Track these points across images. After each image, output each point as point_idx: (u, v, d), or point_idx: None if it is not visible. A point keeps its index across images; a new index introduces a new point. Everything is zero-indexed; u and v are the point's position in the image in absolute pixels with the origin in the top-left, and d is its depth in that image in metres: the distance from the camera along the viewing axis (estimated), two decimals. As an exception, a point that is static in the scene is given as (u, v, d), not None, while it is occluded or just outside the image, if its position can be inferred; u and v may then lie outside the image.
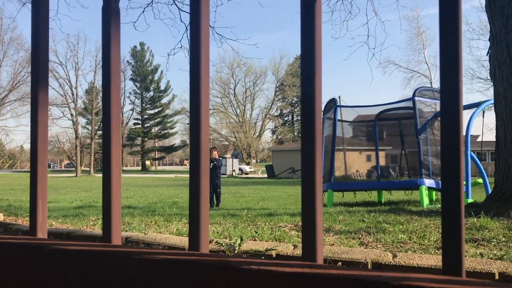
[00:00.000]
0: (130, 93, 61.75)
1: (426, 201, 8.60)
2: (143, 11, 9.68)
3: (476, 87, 74.98)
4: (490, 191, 6.40)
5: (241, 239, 3.40)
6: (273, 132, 69.66)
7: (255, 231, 4.39)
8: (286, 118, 67.58)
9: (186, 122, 59.51)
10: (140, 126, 61.61)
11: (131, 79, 61.02)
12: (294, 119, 66.90)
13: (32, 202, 0.89)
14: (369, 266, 2.92)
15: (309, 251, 0.63)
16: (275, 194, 14.61)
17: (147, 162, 62.67)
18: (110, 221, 0.81)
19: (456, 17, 0.56)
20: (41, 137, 0.90)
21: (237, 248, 3.31)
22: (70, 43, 70.55)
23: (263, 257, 3.23)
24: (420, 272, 2.68)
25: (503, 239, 3.78)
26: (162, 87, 61.87)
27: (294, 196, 12.67)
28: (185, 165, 74.36)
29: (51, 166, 74.53)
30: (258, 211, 7.28)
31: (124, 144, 58.39)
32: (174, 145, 62.91)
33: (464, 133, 8.38)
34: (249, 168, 48.38)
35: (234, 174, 42.18)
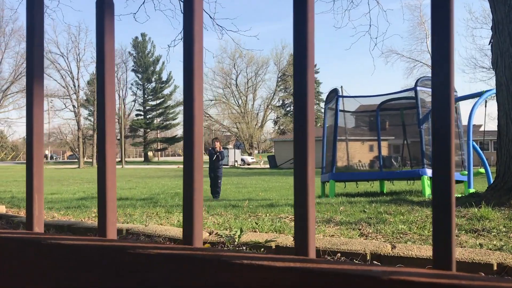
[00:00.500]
0: (132, 84, 61.82)
1: (428, 191, 8.59)
2: (143, 2, 9.63)
3: (479, 76, 74.41)
4: (492, 181, 6.39)
5: (241, 231, 3.42)
6: (275, 122, 69.68)
7: (255, 222, 4.41)
8: (288, 109, 67.44)
9: (188, 113, 59.51)
10: (142, 117, 61.71)
11: (132, 70, 60.99)
12: (296, 110, 66.80)
13: (28, 197, 0.90)
14: (368, 257, 2.93)
15: (300, 244, 0.63)
16: (276, 184, 14.64)
17: (150, 153, 62.85)
18: (105, 215, 0.81)
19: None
20: (36, 131, 0.90)
21: (237, 240, 3.33)
22: (72, 34, 70.54)
23: (262, 249, 3.25)
24: (418, 263, 2.68)
25: (504, 229, 3.78)
26: (164, 78, 61.86)
27: (296, 187, 12.68)
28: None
29: (54, 157, 74.85)
30: (259, 202, 7.30)
31: (127, 135, 58.52)
32: (176, 136, 63.01)
33: (466, 123, 8.35)
34: (251, 158, 48.48)
35: (236, 165, 42.27)
